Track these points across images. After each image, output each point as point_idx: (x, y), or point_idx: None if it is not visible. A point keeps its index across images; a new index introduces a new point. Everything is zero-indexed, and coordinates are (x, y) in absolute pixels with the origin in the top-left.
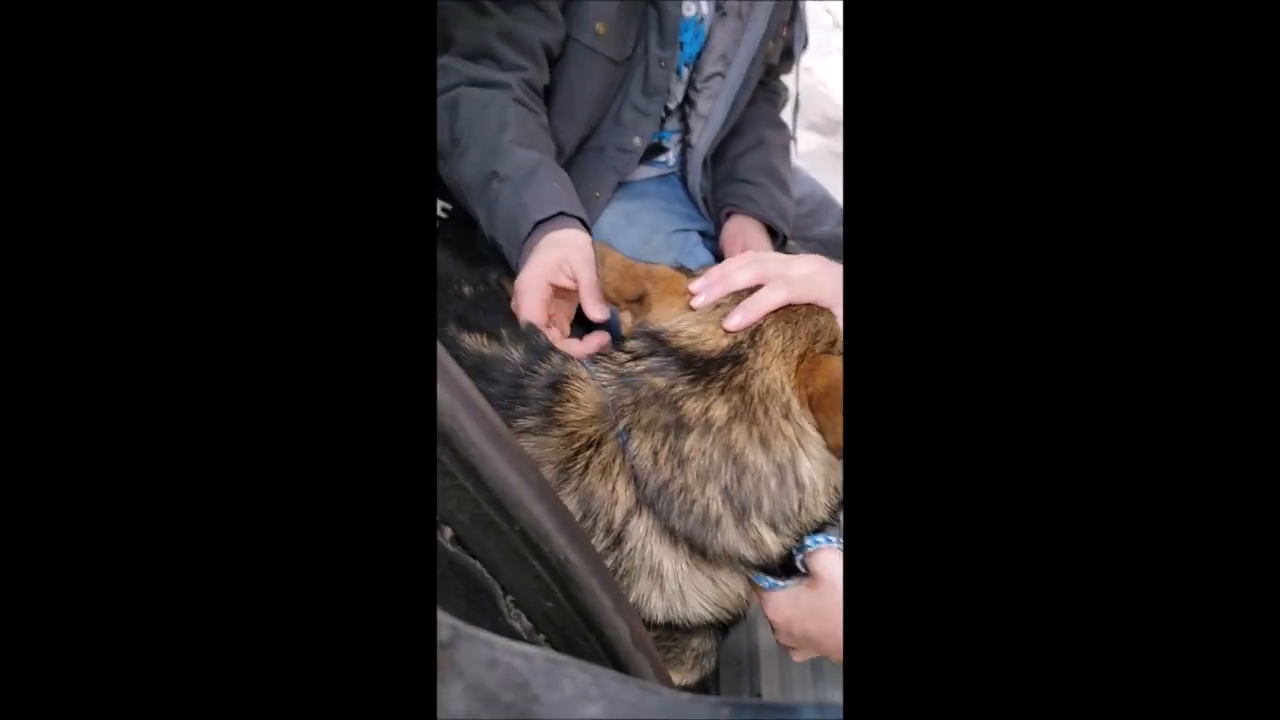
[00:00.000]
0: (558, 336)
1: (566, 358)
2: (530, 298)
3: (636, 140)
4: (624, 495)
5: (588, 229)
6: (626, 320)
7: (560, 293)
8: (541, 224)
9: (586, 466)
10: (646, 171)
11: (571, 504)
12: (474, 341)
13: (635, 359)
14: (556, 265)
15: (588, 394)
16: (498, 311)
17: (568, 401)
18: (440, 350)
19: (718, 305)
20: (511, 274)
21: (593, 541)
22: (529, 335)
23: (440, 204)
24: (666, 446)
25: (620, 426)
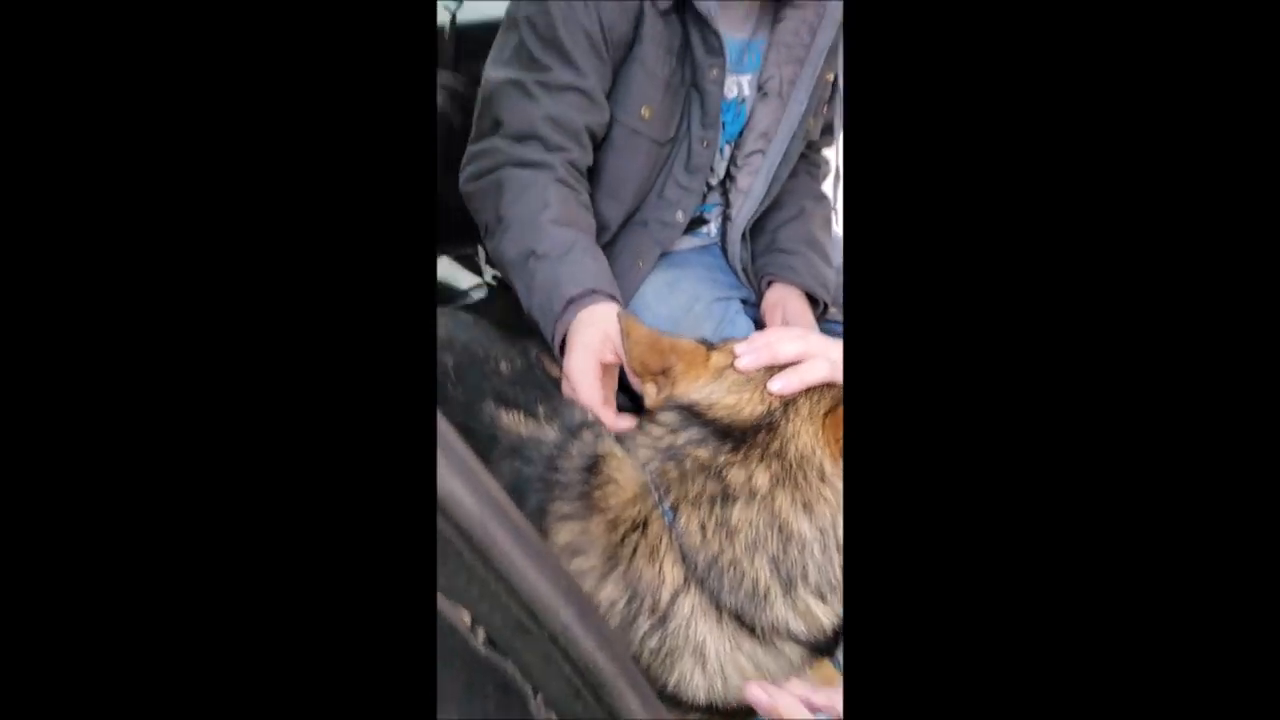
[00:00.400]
0: (611, 416)
1: (599, 435)
2: (585, 382)
3: (679, 215)
4: (671, 575)
5: (621, 305)
6: (651, 393)
7: (605, 369)
8: (575, 300)
9: (634, 551)
10: (688, 242)
11: (618, 591)
12: (511, 420)
13: (673, 432)
14: (601, 343)
15: (626, 473)
16: (535, 388)
17: (607, 484)
18: (473, 461)
19: (749, 378)
20: (549, 350)
21: (637, 623)
22: (562, 413)
23: (490, 272)
24: (714, 519)
25: (666, 503)
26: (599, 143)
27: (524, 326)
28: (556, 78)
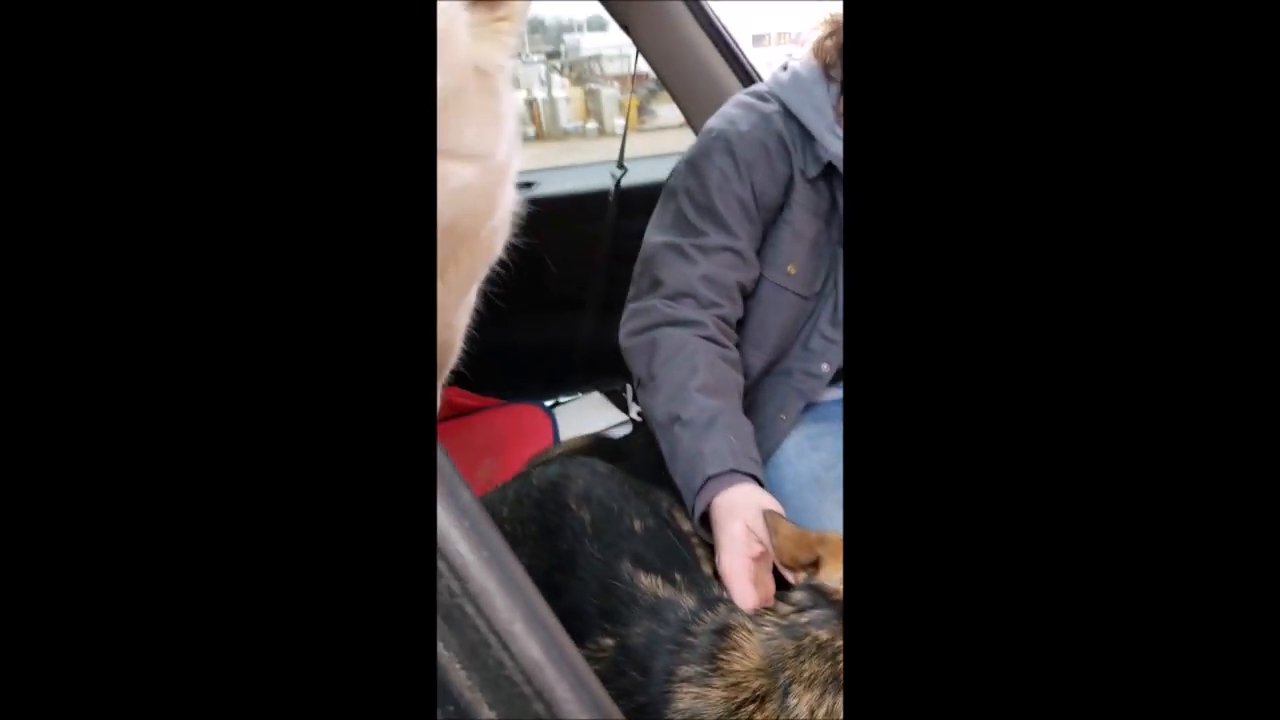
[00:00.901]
0: (768, 598)
1: (733, 608)
2: (740, 584)
3: (825, 367)
4: None
5: (760, 483)
6: (799, 578)
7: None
8: (714, 479)
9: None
10: (833, 394)
11: None
12: (650, 583)
13: (799, 610)
14: (747, 539)
15: (753, 645)
16: (670, 551)
17: (733, 650)
18: (563, 638)
19: None
20: (680, 504)
21: None
22: (699, 584)
23: (635, 409)
24: (824, 705)
25: (782, 678)
26: (748, 296)
27: (660, 474)
28: (711, 240)
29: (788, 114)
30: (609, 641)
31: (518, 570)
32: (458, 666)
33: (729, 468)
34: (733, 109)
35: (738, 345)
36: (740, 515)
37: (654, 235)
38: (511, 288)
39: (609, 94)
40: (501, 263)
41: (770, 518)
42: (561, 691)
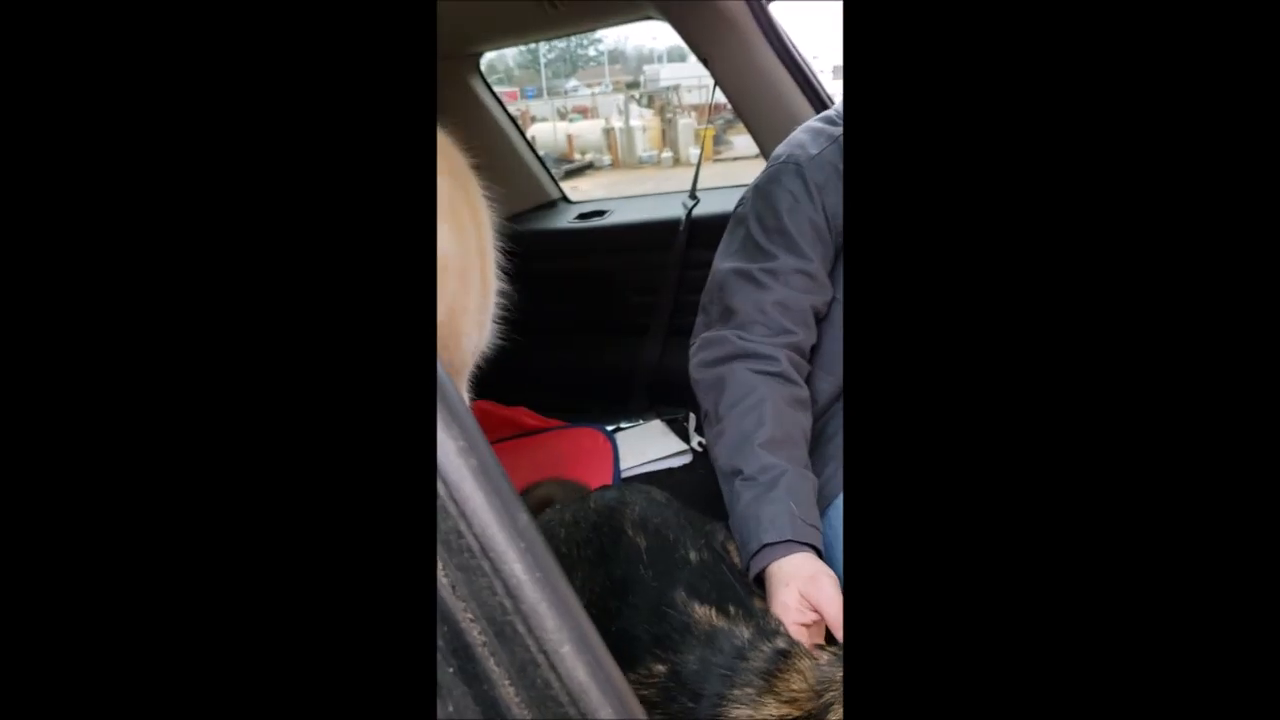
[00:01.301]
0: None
1: (792, 640)
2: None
3: None
4: None
5: (819, 551)
6: None
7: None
8: (770, 547)
9: None
10: None
11: None
12: (704, 613)
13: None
14: (799, 606)
15: (809, 667)
16: (724, 584)
17: (791, 672)
18: (609, 663)
19: None
20: (735, 539)
21: None
22: (757, 615)
23: (696, 439)
24: None
25: (826, 697)
26: (820, 320)
27: (717, 507)
28: (782, 264)
29: None
30: (661, 668)
31: (569, 593)
32: (507, 683)
33: (786, 537)
34: (802, 134)
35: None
36: (794, 584)
37: (723, 262)
38: (580, 312)
39: (685, 124)
40: (572, 287)
41: (825, 590)
42: (605, 715)
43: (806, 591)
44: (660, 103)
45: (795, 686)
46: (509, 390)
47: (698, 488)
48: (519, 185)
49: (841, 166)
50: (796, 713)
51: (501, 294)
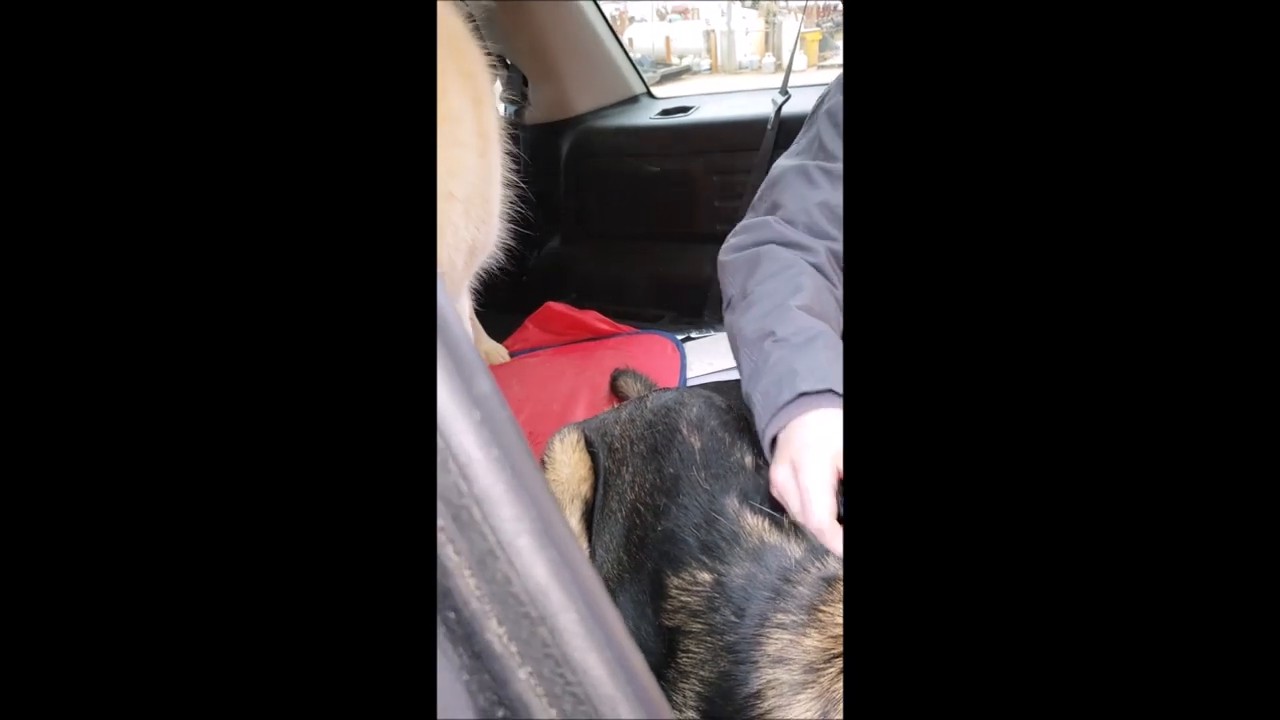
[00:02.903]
0: (839, 540)
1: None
2: (820, 499)
3: None
4: None
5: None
6: None
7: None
8: (807, 395)
9: (840, 672)
10: None
11: (811, 710)
12: (755, 524)
13: None
14: (834, 460)
15: None
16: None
17: (839, 603)
18: (579, 561)
19: None
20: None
21: None
22: (810, 535)
23: None
24: None
25: None
26: None
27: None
28: (840, 167)
29: None
30: (706, 576)
31: (536, 479)
32: (467, 573)
33: (827, 387)
34: None
35: None
36: (832, 440)
37: (785, 159)
38: (658, 217)
39: (792, 27)
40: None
41: None
42: (566, 621)
43: (832, 483)
44: (766, 4)
45: (841, 619)
46: (583, 293)
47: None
48: (601, 80)
49: None
50: (839, 648)
51: (510, 185)
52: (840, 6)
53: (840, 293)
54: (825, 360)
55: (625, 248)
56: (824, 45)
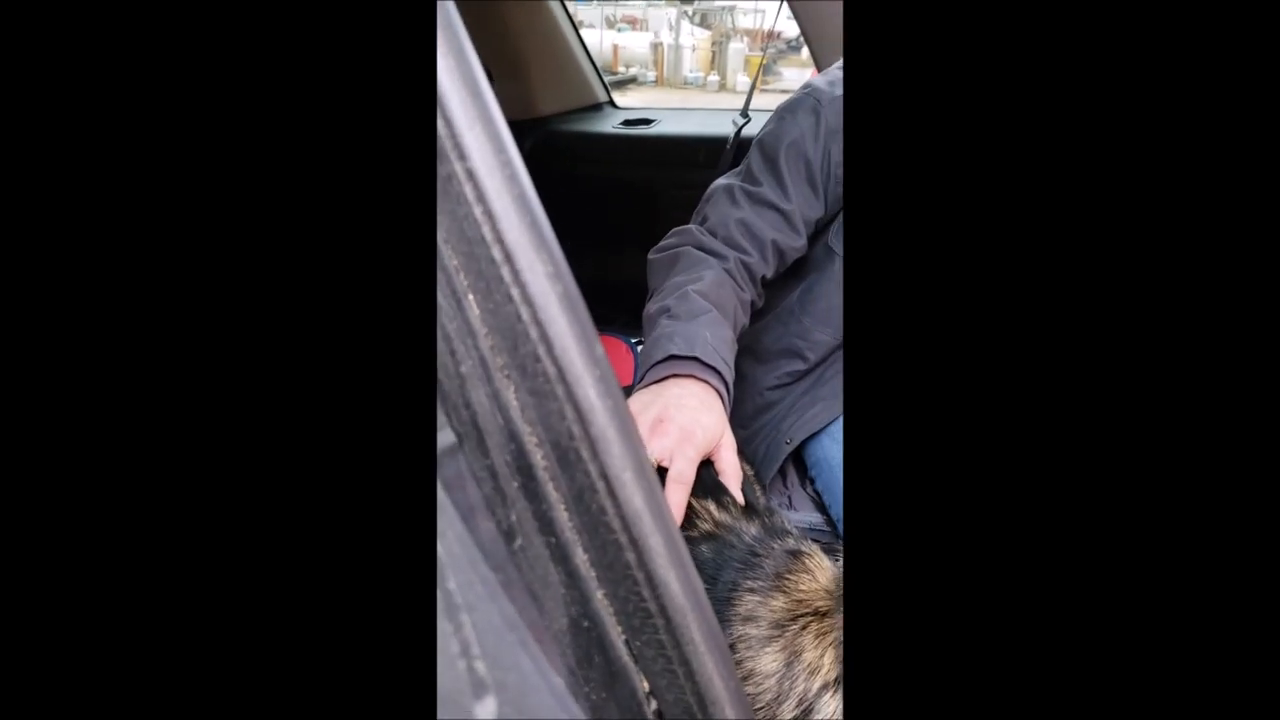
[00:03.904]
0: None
1: (803, 538)
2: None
3: None
4: (828, 667)
5: (725, 383)
6: None
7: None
8: (676, 359)
9: (803, 629)
10: None
11: (774, 664)
12: (705, 508)
13: None
14: (680, 444)
15: (825, 571)
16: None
17: (802, 572)
18: (687, 555)
19: None
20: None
21: (782, 708)
22: (764, 514)
23: None
24: None
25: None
26: (786, 264)
27: None
28: (763, 194)
29: None
30: None
31: (633, 424)
32: (563, 508)
33: (695, 355)
34: (838, 70)
35: (801, 323)
36: (689, 415)
37: (722, 179)
38: (617, 222)
39: (736, 48)
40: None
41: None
42: (654, 543)
43: (696, 440)
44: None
45: (805, 586)
46: None
47: None
48: (565, 84)
49: None
50: (805, 609)
51: None
52: (784, 34)
53: (746, 296)
54: (701, 334)
55: (583, 252)
56: (767, 70)
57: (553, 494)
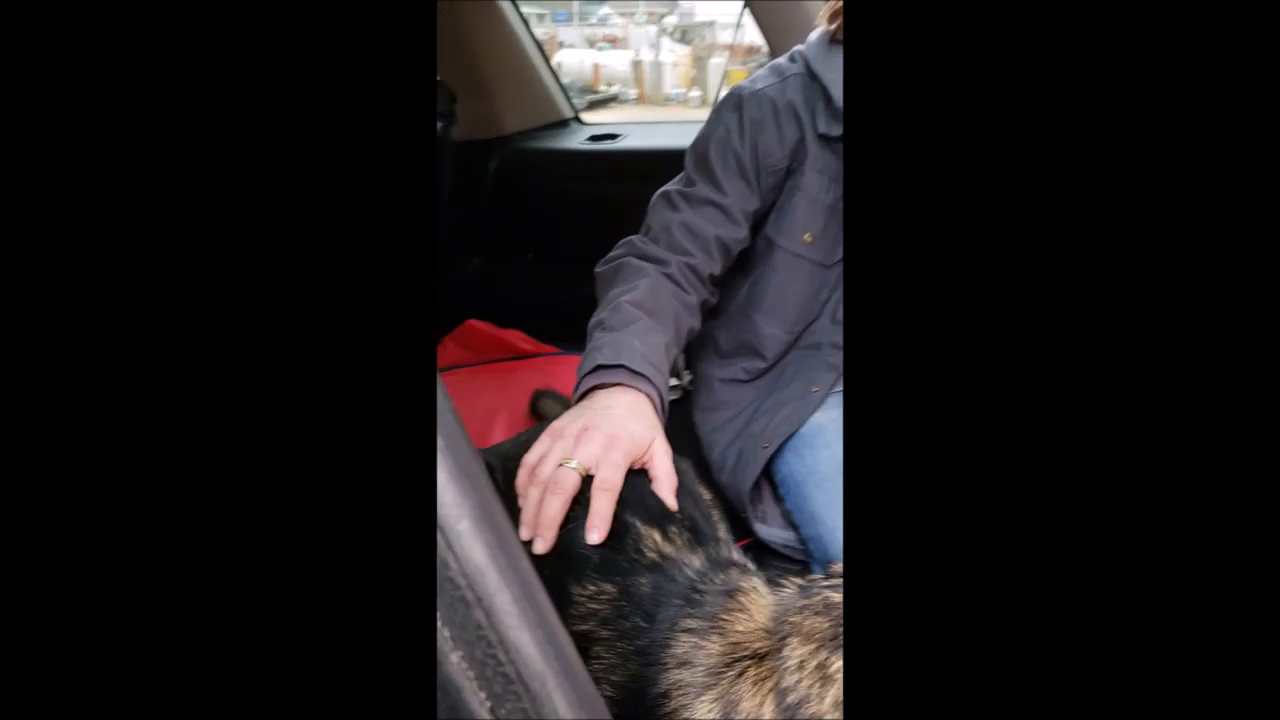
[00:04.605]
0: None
1: (745, 571)
2: (550, 459)
3: None
4: (769, 714)
5: (657, 389)
6: None
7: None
8: (603, 369)
9: (740, 675)
10: None
11: (714, 710)
12: (653, 539)
13: (828, 578)
14: (605, 448)
15: (761, 609)
16: (680, 508)
17: (739, 612)
18: (516, 548)
19: None
20: (701, 471)
21: None
22: (709, 545)
23: (687, 376)
24: (816, 659)
25: (783, 630)
26: (733, 258)
27: (694, 443)
28: (699, 192)
29: (811, 75)
30: (610, 588)
31: (476, 466)
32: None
33: (621, 363)
34: (762, 70)
35: (751, 317)
36: (615, 421)
37: (663, 187)
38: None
39: (716, 63)
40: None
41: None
42: (502, 601)
43: (610, 433)
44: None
45: (740, 627)
46: (504, 313)
47: (679, 423)
48: (530, 101)
49: (780, 105)
50: (742, 652)
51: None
52: (766, 49)
53: (692, 299)
54: (628, 343)
55: (550, 269)
56: None
57: None
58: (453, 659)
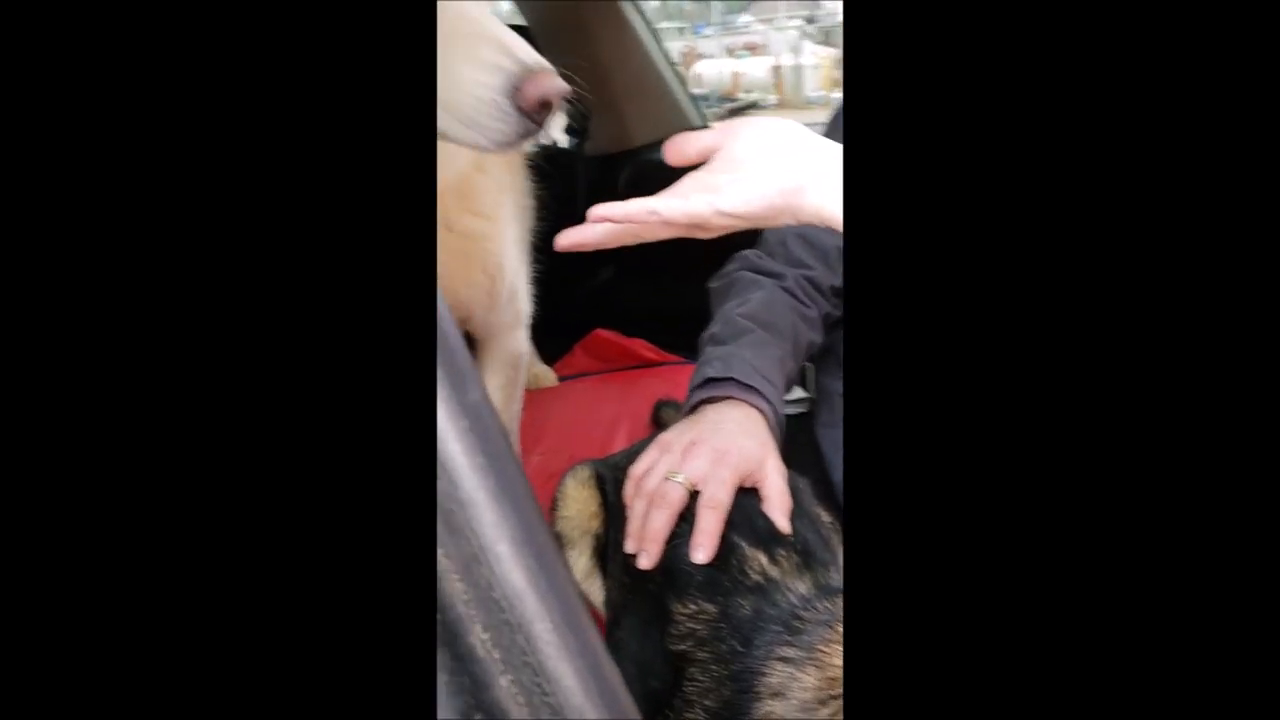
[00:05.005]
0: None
1: None
2: (656, 472)
3: None
4: None
5: (770, 404)
6: None
7: None
8: (712, 383)
9: (834, 715)
10: None
11: None
12: (758, 561)
13: None
14: (714, 463)
15: None
16: (796, 534)
17: (837, 643)
18: (559, 570)
19: None
20: (824, 496)
21: None
22: (818, 570)
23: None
24: None
25: None
26: None
27: (816, 457)
28: None
29: None
30: (711, 607)
31: (522, 486)
32: (454, 577)
33: (731, 375)
34: None
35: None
36: (725, 438)
37: None
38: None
39: None
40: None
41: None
42: (541, 629)
43: (719, 449)
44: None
45: (838, 661)
46: (630, 324)
47: (804, 436)
48: (660, 113)
49: None
50: (837, 689)
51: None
52: None
53: (812, 312)
54: (741, 354)
55: (678, 280)
56: None
57: (442, 561)
58: (501, 682)
